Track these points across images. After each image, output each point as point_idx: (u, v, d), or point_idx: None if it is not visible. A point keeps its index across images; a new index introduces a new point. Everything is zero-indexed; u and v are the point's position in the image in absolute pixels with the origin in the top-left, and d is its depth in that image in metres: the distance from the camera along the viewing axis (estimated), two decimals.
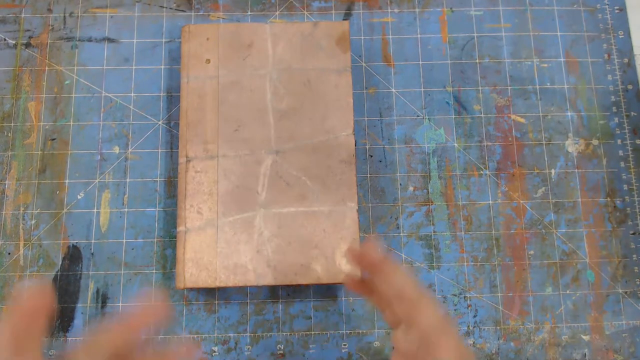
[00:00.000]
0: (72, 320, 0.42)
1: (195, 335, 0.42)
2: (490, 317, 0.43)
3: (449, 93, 0.47)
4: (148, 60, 0.47)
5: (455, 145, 0.46)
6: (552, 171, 0.46)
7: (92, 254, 0.44)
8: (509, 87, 0.47)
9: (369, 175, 0.46)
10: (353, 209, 0.41)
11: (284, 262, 0.40)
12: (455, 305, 0.43)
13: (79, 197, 0.45)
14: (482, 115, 0.47)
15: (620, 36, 0.49)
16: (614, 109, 0.47)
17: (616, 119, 0.47)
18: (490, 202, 0.45)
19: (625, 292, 0.44)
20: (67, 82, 0.47)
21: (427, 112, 0.47)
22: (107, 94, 0.47)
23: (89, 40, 0.48)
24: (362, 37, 0.48)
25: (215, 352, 0.42)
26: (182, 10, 0.49)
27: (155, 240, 0.44)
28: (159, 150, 0.46)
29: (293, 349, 0.42)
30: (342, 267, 0.40)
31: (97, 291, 0.43)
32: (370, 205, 0.45)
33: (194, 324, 0.42)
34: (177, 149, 0.45)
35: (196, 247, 0.40)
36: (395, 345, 0.32)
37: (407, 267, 0.44)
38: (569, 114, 0.47)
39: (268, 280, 0.40)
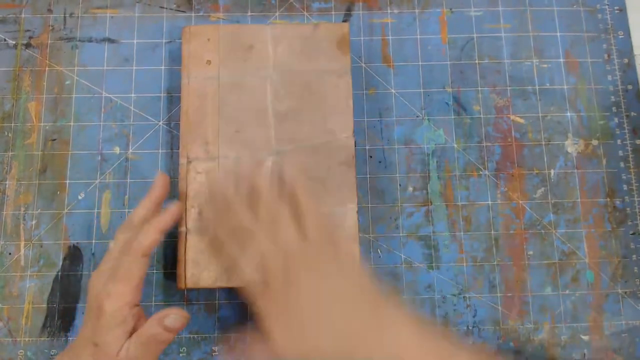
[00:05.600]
0: (73, 320, 0.43)
1: (195, 335, 0.42)
2: (489, 317, 0.43)
3: (448, 94, 0.47)
4: (148, 60, 0.47)
5: (455, 145, 0.46)
6: (552, 171, 0.46)
7: (93, 254, 0.44)
8: (509, 88, 0.48)
9: (368, 176, 0.46)
10: (353, 210, 0.41)
11: None
12: (455, 305, 0.43)
13: (79, 197, 0.45)
14: (482, 115, 0.47)
15: (620, 36, 0.49)
16: (614, 109, 0.47)
17: (616, 119, 0.47)
18: (490, 202, 0.45)
19: (625, 292, 0.44)
20: (67, 83, 0.47)
21: (426, 113, 0.47)
22: (107, 95, 0.47)
23: (89, 40, 0.48)
24: (362, 38, 0.48)
25: (215, 352, 0.42)
26: (182, 11, 0.49)
27: None
28: (160, 151, 0.46)
29: None
30: None
31: None
32: (369, 205, 0.45)
33: (195, 324, 0.43)
34: (178, 149, 0.45)
35: (197, 248, 0.40)
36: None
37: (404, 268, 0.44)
38: (568, 114, 0.47)
39: None
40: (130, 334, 0.35)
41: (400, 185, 0.45)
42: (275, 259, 0.34)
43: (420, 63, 0.48)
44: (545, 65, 0.48)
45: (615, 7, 0.49)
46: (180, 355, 0.42)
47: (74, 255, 0.44)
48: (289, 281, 0.33)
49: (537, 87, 0.48)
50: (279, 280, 0.33)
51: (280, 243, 0.34)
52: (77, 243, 0.44)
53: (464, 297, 0.44)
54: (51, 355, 0.42)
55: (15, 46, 0.47)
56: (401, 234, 0.45)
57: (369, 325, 0.32)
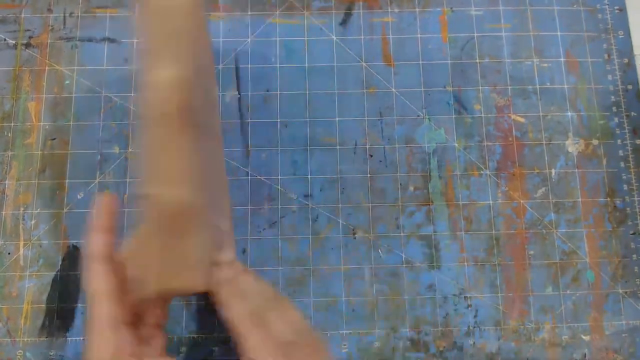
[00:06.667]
0: (73, 320, 0.42)
1: (195, 335, 0.42)
2: (490, 317, 0.43)
3: (449, 93, 0.47)
4: None
5: (456, 145, 0.46)
6: (552, 171, 0.46)
7: None
8: (509, 87, 0.48)
9: (369, 175, 0.46)
10: None
11: None
12: (456, 305, 0.43)
13: (79, 197, 0.45)
14: (482, 115, 0.47)
15: (620, 36, 0.49)
16: (614, 109, 0.47)
17: (616, 119, 0.47)
18: (491, 202, 0.45)
19: (625, 292, 0.44)
20: (67, 82, 0.47)
21: (427, 112, 0.47)
22: (107, 94, 0.47)
23: (89, 40, 0.48)
24: (362, 37, 0.48)
25: (215, 352, 0.42)
26: None
27: None
28: None
29: None
30: None
31: None
32: (370, 205, 0.45)
33: (194, 324, 0.42)
34: None
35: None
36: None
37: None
38: (569, 114, 0.47)
39: None
40: None
41: (401, 184, 0.45)
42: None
43: (420, 62, 0.48)
44: (546, 65, 0.48)
45: (615, 7, 0.49)
46: (180, 355, 0.42)
47: (74, 255, 0.44)
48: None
49: (537, 87, 0.48)
50: None
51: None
52: (77, 243, 0.44)
53: (465, 297, 0.44)
54: (50, 355, 0.42)
55: (15, 46, 0.47)
56: (402, 234, 0.44)
57: None
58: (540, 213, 0.45)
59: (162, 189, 0.30)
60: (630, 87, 0.48)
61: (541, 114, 0.47)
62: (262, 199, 0.45)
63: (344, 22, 0.49)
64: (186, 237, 0.30)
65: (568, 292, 0.44)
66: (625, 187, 0.46)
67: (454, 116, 0.47)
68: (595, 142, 0.47)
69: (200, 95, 0.32)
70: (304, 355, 0.31)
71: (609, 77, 0.48)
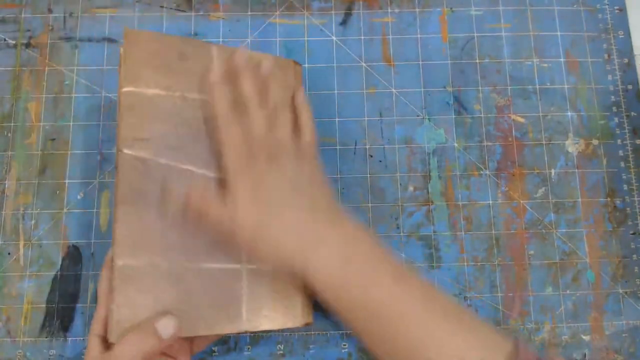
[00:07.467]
0: (72, 321, 0.42)
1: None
2: (490, 317, 0.43)
3: (449, 93, 0.47)
4: None
5: (456, 145, 0.46)
6: (552, 171, 0.46)
7: (92, 254, 0.44)
8: (509, 87, 0.48)
9: (369, 176, 0.46)
10: None
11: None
12: None
13: (79, 197, 0.45)
14: (482, 115, 0.47)
15: (620, 36, 0.49)
16: (614, 109, 0.47)
17: (616, 119, 0.47)
18: (491, 202, 0.45)
19: (625, 292, 0.44)
20: (67, 82, 0.47)
21: (427, 112, 0.47)
22: (107, 94, 0.47)
23: (89, 40, 0.48)
24: (362, 37, 0.48)
25: (215, 352, 0.42)
26: (182, 11, 0.49)
27: None
28: None
29: (293, 349, 0.42)
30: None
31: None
32: (370, 205, 0.45)
33: None
34: None
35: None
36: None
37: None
38: (569, 114, 0.47)
39: None
40: None
41: (400, 184, 0.45)
42: (268, 142, 0.37)
43: (420, 62, 0.48)
44: (546, 65, 0.48)
45: (615, 7, 0.49)
46: None
47: (73, 255, 0.44)
48: (270, 167, 0.36)
49: (537, 87, 0.48)
50: (263, 161, 0.36)
51: (277, 132, 0.37)
52: (77, 243, 0.44)
53: (465, 297, 0.44)
54: (50, 355, 0.42)
55: (15, 46, 0.47)
56: (402, 234, 0.44)
57: (311, 236, 0.35)
58: (540, 213, 0.45)
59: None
60: (630, 87, 0.48)
61: (541, 114, 0.47)
62: None
63: (344, 22, 0.49)
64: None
65: (568, 292, 0.44)
66: (625, 187, 0.46)
67: (453, 116, 0.47)
68: (595, 142, 0.47)
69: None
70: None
71: (609, 77, 0.48)
